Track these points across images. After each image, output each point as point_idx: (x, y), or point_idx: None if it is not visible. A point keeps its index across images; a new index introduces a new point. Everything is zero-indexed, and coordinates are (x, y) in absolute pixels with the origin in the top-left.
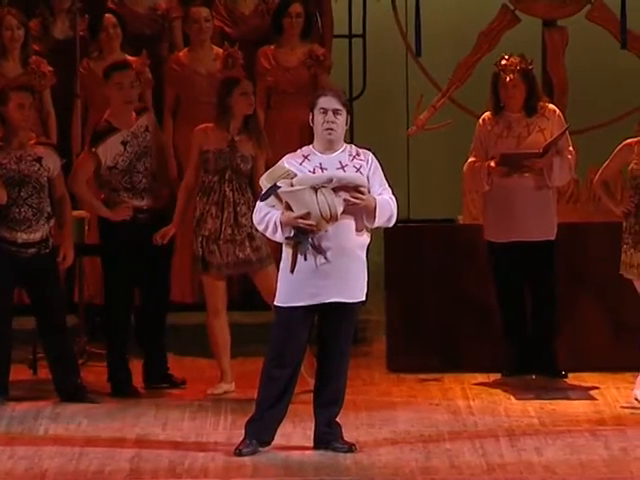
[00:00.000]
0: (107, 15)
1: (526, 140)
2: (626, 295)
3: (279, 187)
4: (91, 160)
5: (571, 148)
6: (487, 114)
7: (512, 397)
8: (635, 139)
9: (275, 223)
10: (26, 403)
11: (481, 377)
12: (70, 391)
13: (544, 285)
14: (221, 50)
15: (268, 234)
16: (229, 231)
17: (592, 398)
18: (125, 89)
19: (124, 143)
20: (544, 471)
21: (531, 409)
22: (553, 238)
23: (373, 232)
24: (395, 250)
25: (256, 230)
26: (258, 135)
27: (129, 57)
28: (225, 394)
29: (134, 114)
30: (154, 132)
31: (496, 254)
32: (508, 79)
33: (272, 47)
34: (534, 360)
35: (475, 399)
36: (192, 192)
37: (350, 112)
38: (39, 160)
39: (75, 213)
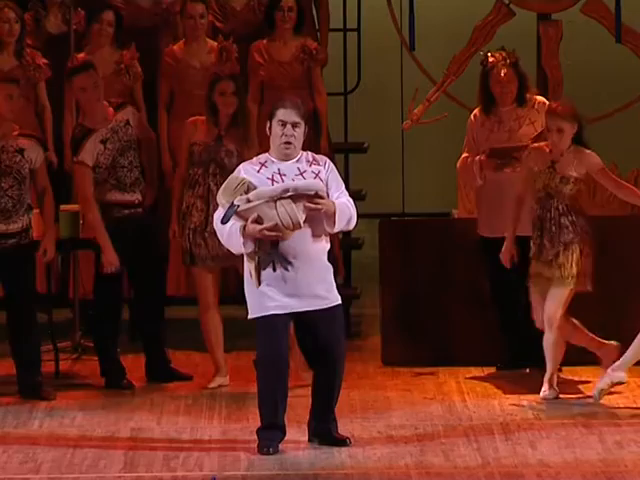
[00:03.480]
0: (107, 12)
1: (517, 133)
2: (619, 288)
3: (237, 206)
4: (82, 170)
5: None
6: (478, 109)
7: (507, 391)
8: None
9: (239, 234)
10: (20, 397)
11: (476, 371)
12: (29, 388)
13: None
14: (215, 43)
15: (231, 246)
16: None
17: (586, 392)
18: (88, 91)
19: (103, 141)
20: (539, 465)
21: (525, 403)
22: None
23: (368, 226)
24: (390, 244)
25: None
26: (245, 132)
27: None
28: (220, 387)
29: (111, 110)
30: (138, 126)
31: (490, 249)
32: (503, 74)
33: (265, 41)
34: (528, 354)
35: (470, 393)
36: (185, 184)
37: (345, 106)
38: (21, 152)
39: (70, 207)
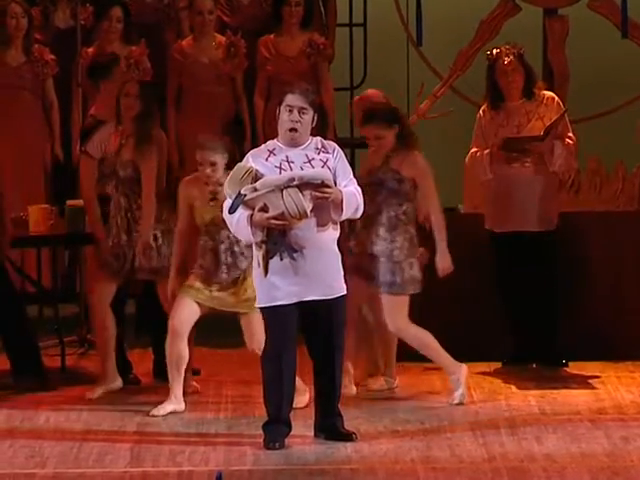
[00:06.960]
0: (115, 8)
1: (526, 127)
2: (626, 284)
3: (244, 195)
4: (88, 161)
5: (571, 134)
6: (486, 106)
7: (513, 386)
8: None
9: (247, 223)
10: (27, 392)
11: (481, 366)
12: (26, 382)
13: (545, 274)
14: (223, 38)
15: (240, 235)
16: (125, 237)
17: (593, 387)
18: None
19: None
20: (545, 460)
21: (532, 398)
22: (553, 229)
23: None
24: None
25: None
26: (142, 141)
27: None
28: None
29: None
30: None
31: (497, 243)
32: (507, 61)
33: (272, 36)
34: (535, 349)
35: (476, 388)
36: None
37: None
38: None
39: (77, 202)
